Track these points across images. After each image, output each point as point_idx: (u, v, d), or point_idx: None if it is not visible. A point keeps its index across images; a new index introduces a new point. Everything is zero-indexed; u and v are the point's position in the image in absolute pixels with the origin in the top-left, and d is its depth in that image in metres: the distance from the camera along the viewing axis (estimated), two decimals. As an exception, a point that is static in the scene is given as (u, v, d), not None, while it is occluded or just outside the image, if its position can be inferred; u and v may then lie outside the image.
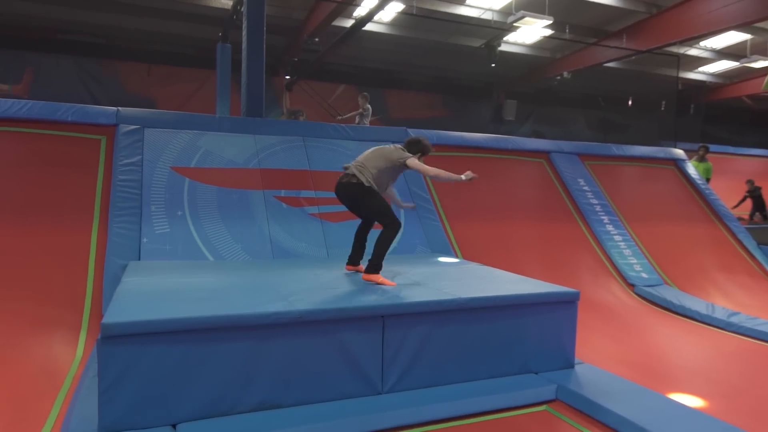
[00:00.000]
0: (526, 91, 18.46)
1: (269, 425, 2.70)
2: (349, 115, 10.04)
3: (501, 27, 12.33)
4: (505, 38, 13.50)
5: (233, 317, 2.77)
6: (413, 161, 3.99)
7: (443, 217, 6.12)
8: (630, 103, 18.47)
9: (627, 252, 6.54)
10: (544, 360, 3.51)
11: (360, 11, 11.32)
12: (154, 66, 14.05)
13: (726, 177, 12.95)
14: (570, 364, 3.58)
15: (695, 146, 11.29)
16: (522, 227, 6.49)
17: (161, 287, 3.44)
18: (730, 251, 7.30)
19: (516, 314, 3.45)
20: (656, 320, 5.38)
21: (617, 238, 6.71)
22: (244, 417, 2.75)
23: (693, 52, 14.65)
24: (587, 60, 14.44)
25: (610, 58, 13.78)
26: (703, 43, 14.17)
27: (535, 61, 15.64)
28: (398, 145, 4.16)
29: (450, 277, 4.06)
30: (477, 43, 13.82)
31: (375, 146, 4.16)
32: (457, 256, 5.57)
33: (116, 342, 2.55)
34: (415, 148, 4.11)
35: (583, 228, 6.79)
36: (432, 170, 3.96)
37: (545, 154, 7.59)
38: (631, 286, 6.09)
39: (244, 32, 6.57)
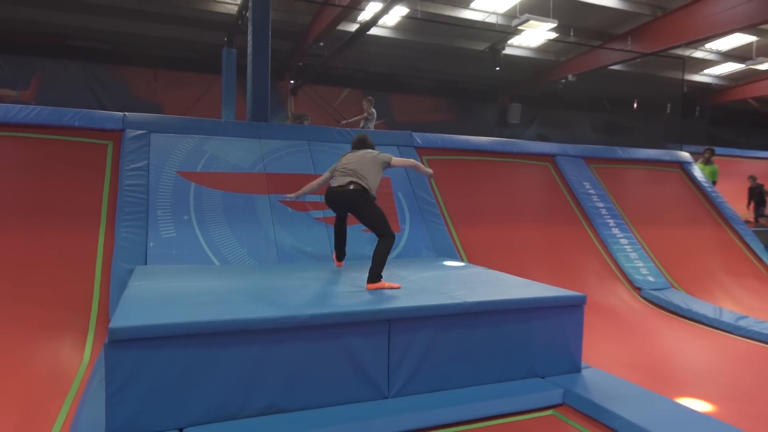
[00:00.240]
0: (530, 94, 18.46)
1: (276, 429, 2.70)
2: (354, 119, 10.06)
3: (505, 30, 12.34)
4: (509, 41, 13.50)
5: (240, 322, 2.78)
6: (396, 159, 4.26)
7: (448, 220, 6.12)
8: (635, 105, 18.42)
9: (633, 255, 6.51)
10: (550, 364, 3.50)
11: (364, 15, 11.36)
12: (160, 71, 14.15)
13: (732, 179, 12.92)
14: (577, 368, 3.56)
15: (701, 149, 11.26)
16: (527, 231, 6.47)
17: (168, 291, 3.45)
18: (738, 254, 7.26)
19: (522, 318, 3.44)
20: (663, 324, 5.35)
21: (623, 241, 6.68)
22: (251, 421, 2.76)
23: (698, 54, 14.61)
24: (592, 63, 14.42)
25: (615, 60, 13.76)
26: (708, 46, 14.13)
27: (539, 65, 15.63)
28: (369, 149, 4.37)
29: (455, 281, 4.06)
30: (481, 46, 13.83)
31: (350, 154, 4.29)
32: (462, 260, 5.56)
33: (123, 346, 2.56)
34: (372, 144, 4.44)
35: (589, 231, 6.77)
36: (409, 161, 4.36)
37: (550, 157, 7.58)
38: (638, 289, 6.07)
39: (250, 37, 6.61)
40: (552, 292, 3.66)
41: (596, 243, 6.64)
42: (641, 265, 6.40)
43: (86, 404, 2.93)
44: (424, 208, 5.99)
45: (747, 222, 8.98)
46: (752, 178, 12.16)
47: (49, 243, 4.50)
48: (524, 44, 14.22)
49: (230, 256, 4.84)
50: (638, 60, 13.44)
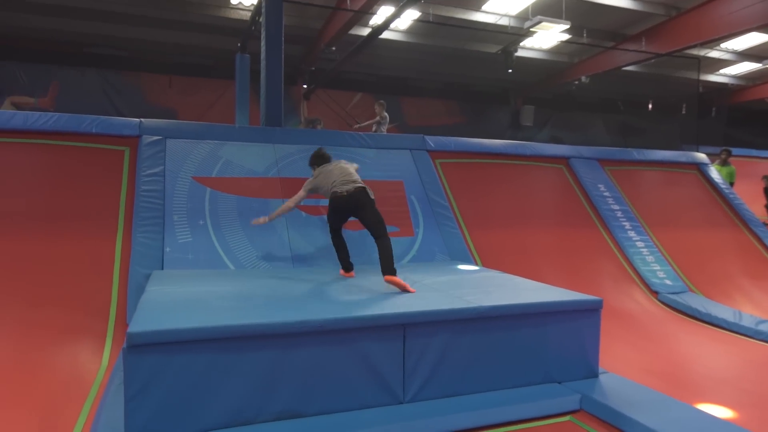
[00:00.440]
0: (543, 96, 18.36)
1: (292, 434, 2.71)
2: (366, 123, 10.09)
3: (517, 32, 12.29)
4: (521, 43, 13.46)
5: (256, 326, 2.80)
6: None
7: (462, 224, 6.10)
8: (650, 106, 18.24)
9: (650, 258, 6.44)
10: (567, 369, 3.47)
11: (376, 20, 11.39)
12: (175, 77, 14.30)
13: (750, 180, 12.73)
14: (594, 374, 3.53)
15: (718, 150, 11.12)
16: (542, 234, 6.43)
17: (184, 296, 3.48)
18: (757, 257, 7.15)
19: (538, 323, 3.42)
20: (681, 328, 5.28)
21: (639, 244, 6.61)
22: (267, 426, 2.77)
23: (714, 54, 14.44)
24: (606, 64, 14.31)
25: (629, 61, 13.63)
26: (724, 45, 13.96)
27: (552, 66, 15.55)
28: (335, 160, 4.70)
29: (470, 284, 4.04)
30: (493, 49, 13.79)
31: (331, 165, 4.56)
32: (476, 264, 5.54)
33: (142, 351, 2.59)
34: None
35: (605, 234, 6.71)
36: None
37: (564, 159, 7.53)
38: (655, 293, 5.99)
39: (263, 42, 6.65)
40: (568, 296, 3.63)
41: (612, 246, 6.58)
42: (658, 268, 6.32)
43: (105, 408, 2.96)
44: (438, 211, 5.98)
45: (766, 224, 8.84)
46: (766, 178, 11.97)
47: (67, 248, 4.56)
48: (537, 46, 14.16)
49: (245, 261, 4.87)
50: (652, 60, 13.31)
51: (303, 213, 5.47)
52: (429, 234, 5.72)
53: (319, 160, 4.73)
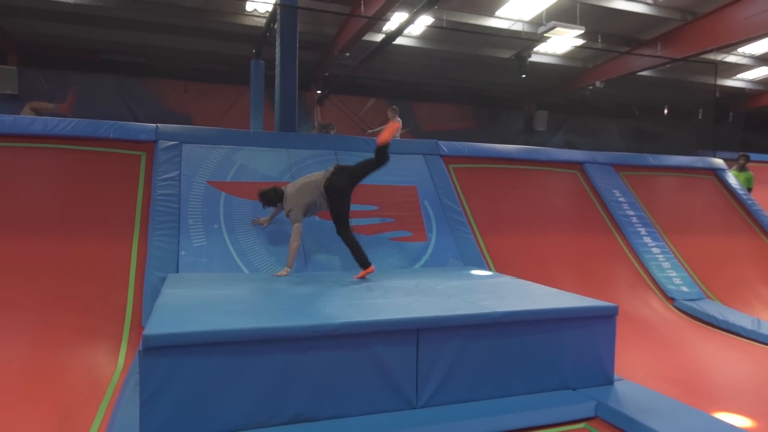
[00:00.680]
0: (557, 101, 18.27)
1: (305, 438, 2.71)
2: (379, 128, 10.13)
3: (531, 38, 12.27)
4: (535, 49, 13.43)
5: (270, 330, 2.81)
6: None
7: (475, 229, 6.09)
8: (666, 111, 18.06)
9: (666, 265, 6.36)
10: (582, 376, 3.43)
11: (390, 26, 11.44)
12: (191, 83, 14.47)
13: (769, 187, 12.52)
14: (609, 381, 3.49)
15: (735, 155, 10.95)
16: (556, 240, 6.39)
17: (199, 299, 3.51)
18: (776, 264, 7.03)
19: (552, 329, 3.39)
20: (698, 335, 5.21)
21: (655, 250, 6.54)
22: (280, 429, 2.77)
23: (731, 59, 14.27)
24: (620, 69, 14.21)
25: (644, 66, 13.53)
26: (741, 50, 13.80)
27: (566, 71, 15.48)
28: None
29: (484, 290, 4.03)
30: (507, 54, 13.77)
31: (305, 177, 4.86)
32: (489, 269, 5.52)
33: (157, 353, 2.61)
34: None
35: (620, 240, 6.65)
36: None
37: (578, 165, 7.48)
38: (671, 300, 5.92)
39: (277, 49, 6.72)
40: (583, 303, 3.61)
41: (627, 252, 6.51)
42: (674, 274, 6.25)
43: (120, 410, 2.99)
44: (451, 216, 5.97)
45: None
46: None
47: (85, 251, 4.63)
48: (550, 51, 14.11)
49: (259, 265, 4.90)
50: (668, 65, 13.21)
51: (317, 217, 5.49)
52: (442, 239, 5.72)
53: (276, 194, 4.79)
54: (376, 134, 9.70)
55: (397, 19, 10.51)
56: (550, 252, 6.20)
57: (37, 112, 12.84)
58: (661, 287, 6.06)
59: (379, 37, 11.90)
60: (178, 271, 4.58)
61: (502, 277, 4.77)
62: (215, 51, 13.72)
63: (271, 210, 5.12)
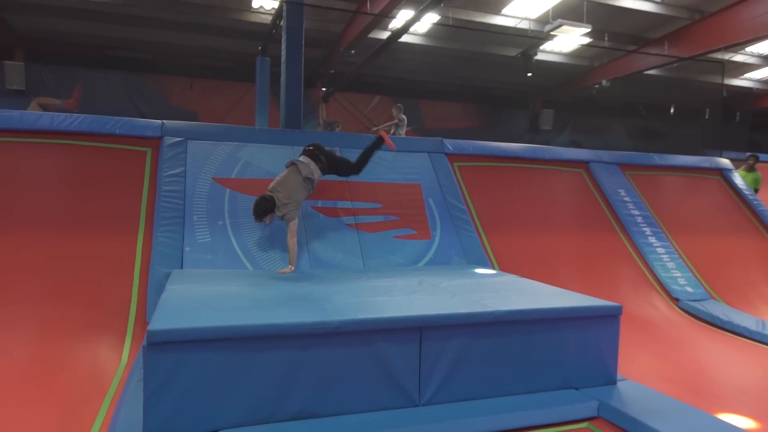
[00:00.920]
0: (563, 100, 18.20)
1: (307, 434, 2.72)
2: (384, 125, 10.12)
3: (538, 36, 12.22)
4: (541, 47, 13.37)
5: (274, 326, 2.82)
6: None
7: (479, 227, 6.08)
8: (672, 111, 17.96)
9: (671, 265, 6.34)
10: (585, 375, 3.43)
11: (396, 23, 11.41)
12: (196, 80, 14.50)
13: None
14: (612, 381, 3.49)
15: (742, 155, 10.89)
16: (560, 239, 6.38)
17: (203, 295, 3.52)
18: (782, 265, 6.99)
19: (556, 328, 3.39)
20: (702, 336, 5.19)
21: (660, 250, 6.52)
22: (283, 425, 2.79)
23: (738, 58, 14.18)
24: (627, 68, 14.14)
25: (651, 65, 13.45)
26: (748, 49, 13.70)
27: (572, 70, 15.41)
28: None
29: (487, 288, 4.02)
30: (513, 52, 13.72)
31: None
32: (493, 268, 5.52)
33: (161, 349, 2.63)
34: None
35: (624, 240, 6.63)
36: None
37: (584, 164, 7.46)
38: (676, 300, 5.90)
39: (283, 46, 6.72)
40: (586, 302, 3.60)
41: (632, 252, 6.49)
42: (679, 275, 6.22)
43: (124, 405, 3.01)
44: (455, 214, 5.97)
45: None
46: None
47: (90, 246, 4.65)
48: (557, 49, 14.04)
49: (263, 262, 4.92)
50: (675, 64, 13.12)
51: (321, 215, 5.50)
52: (446, 237, 5.72)
53: (269, 203, 4.66)
54: (380, 131, 9.70)
55: (403, 16, 10.48)
56: (554, 251, 6.19)
57: (44, 107, 12.91)
58: (665, 287, 6.04)
59: (384, 35, 11.87)
60: (182, 267, 4.60)
61: (505, 275, 4.77)
62: (221, 48, 13.74)
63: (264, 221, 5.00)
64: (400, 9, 10.37)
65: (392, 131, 9.94)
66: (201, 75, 14.54)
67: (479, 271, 5.06)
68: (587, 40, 12.63)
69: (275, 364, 2.82)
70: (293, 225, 4.68)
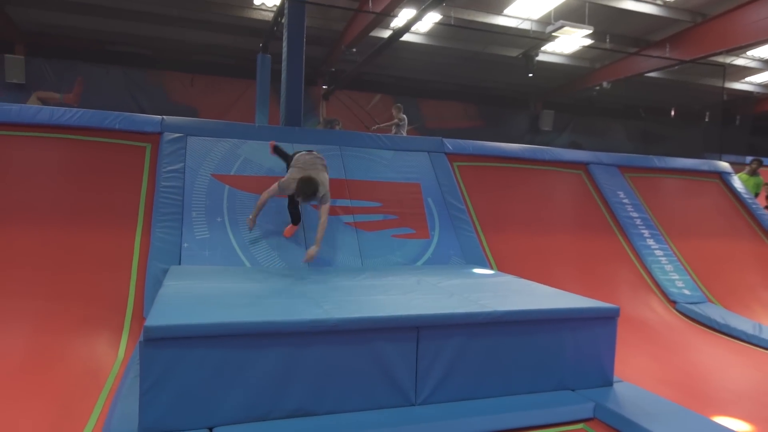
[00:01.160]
0: (563, 101, 18.20)
1: (303, 432, 2.72)
2: (385, 124, 10.12)
3: (539, 37, 12.22)
4: (543, 48, 13.37)
5: (271, 324, 2.82)
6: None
7: (478, 227, 6.08)
8: (672, 113, 17.96)
9: (668, 267, 6.34)
10: (581, 377, 3.43)
11: (397, 22, 11.40)
12: (197, 76, 14.49)
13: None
14: (608, 382, 3.49)
15: (741, 159, 10.90)
16: (559, 240, 6.38)
17: (201, 292, 3.52)
18: (779, 269, 7.00)
19: (553, 329, 3.39)
20: (699, 339, 5.19)
21: (658, 252, 6.52)
22: (279, 423, 2.79)
23: (740, 61, 14.19)
24: (628, 70, 14.14)
25: (652, 67, 13.46)
26: (750, 53, 13.71)
27: (573, 71, 15.42)
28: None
29: (485, 289, 4.02)
30: (514, 52, 13.72)
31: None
32: (492, 268, 5.52)
33: (158, 345, 2.62)
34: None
35: (623, 242, 6.63)
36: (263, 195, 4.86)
37: (583, 165, 7.46)
38: (673, 303, 5.91)
39: (285, 43, 6.71)
40: (584, 303, 3.60)
41: (630, 254, 6.49)
42: (677, 277, 6.23)
43: (120, 400, 3.01)
44: (454, 214, 5.97)
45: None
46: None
47: (88, 241, 4.65)
48: (558, 50, 14.05)
49: (261, 259, 4.91)
50: (676, 67, 13.13)
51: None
52: (445, 237, 5.71)
53: (315, 183, 4.63)
54: (382, 130, 9.70)
55: (404, 15, 10.48)
56: (552, 252, 6.19)
57: (44, 101, 12.89)
58: (663, 290, 6.05)
59: (386, 34, 11.86)
60: (180, 264, 4.60)
61: (503, 276, 4.77)
62: (222, 44, 13.71)
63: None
64: (401, 8, 10.36)
65: (393, 131, 9.93)
66: (202, 71, 14.52)
67: (477, 271, 5.06)
68: (589, 41, 12.64)
69: (272, 362, 2.82)
70: (329, 207, 4.75)
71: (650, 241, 6.64)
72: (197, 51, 14.25)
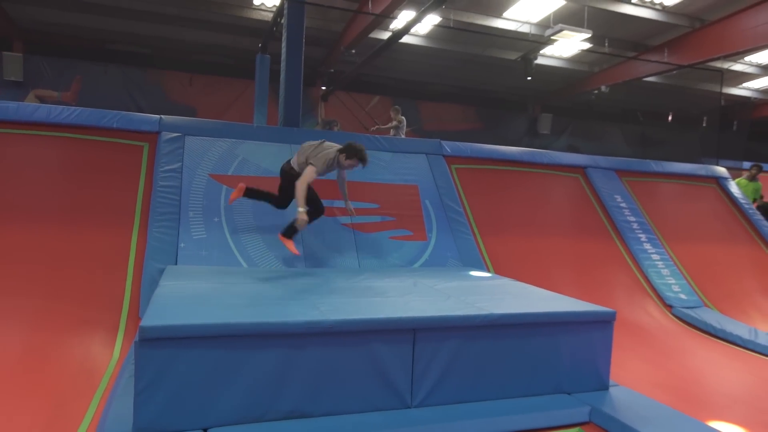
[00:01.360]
0: (562, 104, 18.24)
1: (298, 434, 2.71)
2: (384, 127, 10.12)
3: (538, 40, 12.24)
4: (542, 51, 13.39)
5: (267, 325, 2.81)
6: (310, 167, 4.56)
7: (475, 230, 6.08)
8: (670, 118, 18.00)
9: (665, 272, 6.36)
10: (577, 381, 3.43)
11: (397, 24, 11.41)
12: (196, 75, 14.47)
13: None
14: (604, 386, 3.49)
15: (739, 164, 10.93)
16: (556, 243, 6.38)
17: (197, 292, 3.51)
18: (775, 274, 7.02)
19: (549, 332, 3.39)
20: (695, 343, 5.20)
21: (655, 257, 6.53)
22: (275, 425, 2.77)
23: (737, 67, 14.23)
24: (626, 74, 14.18)
25: (651, 72, 13.50)
26: (748, 58, 13.76)
27: (572, 75, 15.45)
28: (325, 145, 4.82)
29: (482, 291, 4.02)
30: (513, 55, 13.75)
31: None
32: (488, 271, 5.52)
33: (153, 344, 2.61)
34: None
35: (620, 246, 6.64)
36: (303, 182, 4.51)
37: (581, 169, 7.48)
38: (669, 307, 5.92)
39: (284, 44, 6.70)
40: (581, 307, 3.60)
41: (627, 258, 6.51)
42: (673, 282, 6.24)
43: (115, 400, 2.99)
44: (452, 216, 5.97)
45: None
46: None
47: (84, 240, 4.63)
48: (557, 54, 14.08)
49: (258, 260, 4.90)
50: (674, 72, 13.16)
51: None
52: (442, 239, 5.71)
53: (357, 151, 4.66)
54: (380, 132, 9.71)
55: (404, 17, 10.49)
56: (549, 255, 6.20)
57: (41, 99, 12.86)
58: (659, 294, 6.06)
59: (385, 35, 11.87)
60: (177, 263, 4.58)
61: (500, 279, 4.77)
62: (221, 44, 13.71)
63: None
64: (401, 10, 10.37)
65: (392, 133, 9.94)
66: (200, 71, 14.51)
67: (474, 273, 5.06)
68: (587, 45, 12.68)
69: (268, 363, 2.81)
70: (312, 173, 4.55)
71: (647, 245, 6.65)
72: (196, 50, 14.24)
